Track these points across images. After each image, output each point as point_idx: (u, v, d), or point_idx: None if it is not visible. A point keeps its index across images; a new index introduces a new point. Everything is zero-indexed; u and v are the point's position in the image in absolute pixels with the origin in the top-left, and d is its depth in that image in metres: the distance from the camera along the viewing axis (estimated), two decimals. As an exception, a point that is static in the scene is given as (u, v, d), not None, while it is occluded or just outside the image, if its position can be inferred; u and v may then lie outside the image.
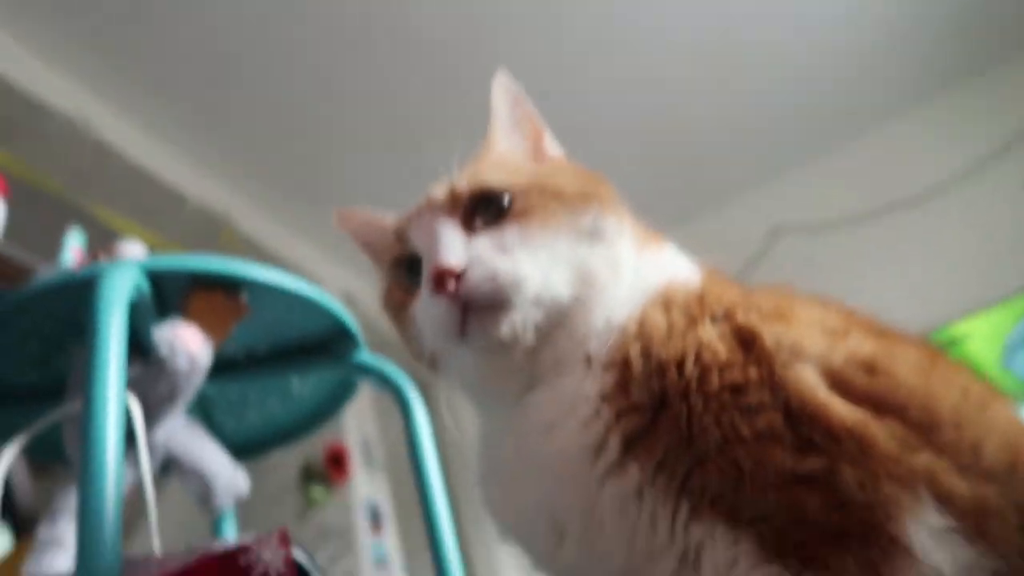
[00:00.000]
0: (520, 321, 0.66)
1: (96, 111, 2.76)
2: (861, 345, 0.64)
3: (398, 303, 0.76)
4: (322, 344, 1.29)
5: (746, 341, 0.63)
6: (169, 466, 1.19)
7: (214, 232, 3.09)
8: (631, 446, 0.61)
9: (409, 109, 3.22)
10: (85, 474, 0.82)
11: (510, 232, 0.69)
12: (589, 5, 3.01)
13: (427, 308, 0.68)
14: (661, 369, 0.62)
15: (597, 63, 3.20)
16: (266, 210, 3.53)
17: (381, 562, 3.19)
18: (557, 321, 0.67)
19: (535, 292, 0.66)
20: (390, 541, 3.32)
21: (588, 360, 0.66)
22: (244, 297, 1.13)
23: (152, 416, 1.10)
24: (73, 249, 1.38)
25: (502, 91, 0.84)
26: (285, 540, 0.85)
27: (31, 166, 2.52)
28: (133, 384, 1.06)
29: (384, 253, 0.81)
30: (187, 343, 1.04)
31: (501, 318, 0.65)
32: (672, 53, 3.37)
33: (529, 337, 0.67)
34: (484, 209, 0.71)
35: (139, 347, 1.09)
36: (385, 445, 3.64)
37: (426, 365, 0.77)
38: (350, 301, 3.68)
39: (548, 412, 0.66)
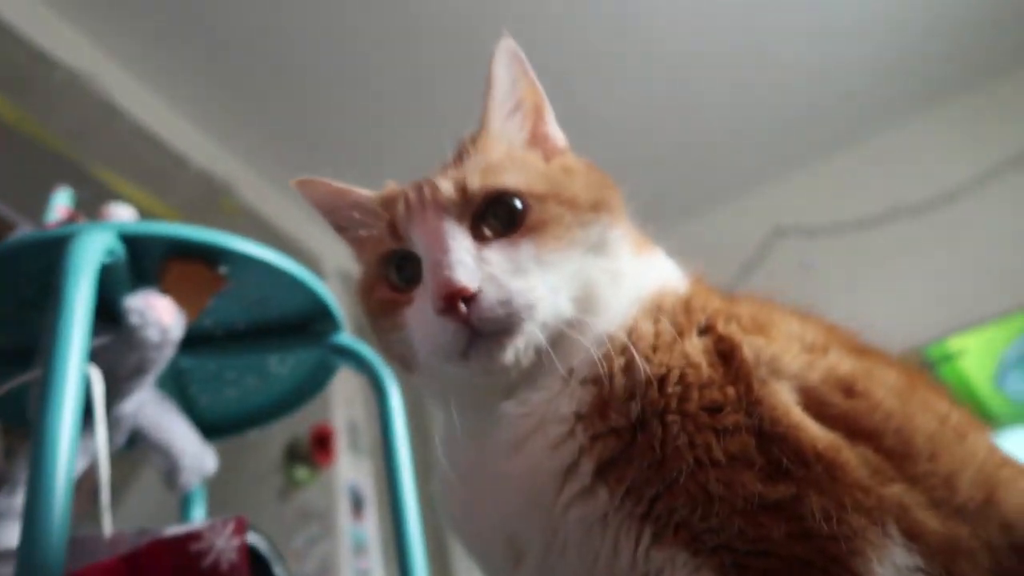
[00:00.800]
0: (524, 345, 0.62)
1: (103, 67, 2.72)
2: (840, 363, 0.62)
3: (384, 303, 0.70)
4: (302, 323, 1.25)
5: (726, 353, 0.61)
6: (137, 440, 1.15)
7: (215, 200, 3.05)
8: (604, 471, 0.58)
9: (425, 84, 3.17)
10: (37, 444, 0.78)
11: (525, 248, 0.64)
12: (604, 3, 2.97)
13: (428, 324, 0.63)
14: (643, 386, 0.59)
15: (608, 57, 3.17)
16: (270, 181, 3.49)
17: (360, 547, 3.16)
18: (555, 340, 0.64)
19: (545, 316, 0.63)
20: (370, 527, 3.29)
21: (568, 374, 0.63)
22: (223, 269, 1.08)
23: (120, 388, 1.06)
24: (59, 208, 1.33)
25: (506, 59, 0.75)
26: (241, 528, 0.82)
27: (32, 119, 2.48)
28: (102, 353, 1.02)
29: (355, 230, 0.76)
30: (159, 313, 1.00)
31: (507, 344, 0.62)
32: (683, 54, 3.35)
33: (529, 359, 0.63)
34: (495, 214, 0.66)
35: (111, 315, 1.05)
36: (372, 430, 3.61)
37: (398, 364, 0.74)
38: (347, 280, 3.64)
39: (518, 429, 0.63)
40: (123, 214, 1.23)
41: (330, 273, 3.64)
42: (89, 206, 1.33)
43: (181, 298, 1.06)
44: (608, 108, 3.26)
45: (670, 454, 0.56)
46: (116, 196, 2.18)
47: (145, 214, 1.36)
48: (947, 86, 3.90)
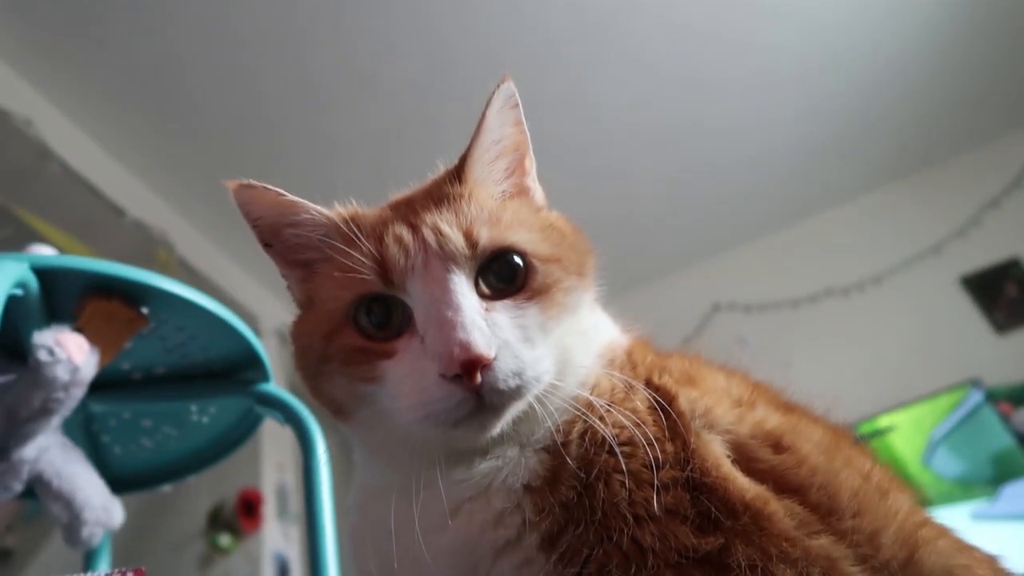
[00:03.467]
0: (511, 417, 0.60)
1: (40, 110, 2.66)
2: (767, 418, 0.63)
3: (352, 350, 0.63)
4: (227, 370, 1.20)
5: (663, 405, 0.61)
6: (36, 488, 1.07)
7: (151, 252, 2.97)
8: (546, 542, 0.57)
9: (372, 147, 3.20)
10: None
11: (531, 313, 0.62)
12: (562, 68, 3.06)
13: (426, 386, 0.58)
14: (598, 448, 0.59)
15: (551, 127, 3.25)
16: (209, 236, 3.43)
17: (283, 621, 2.99)
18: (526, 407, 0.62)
19: (542, 387, 0.61)
20: (296, 599, 3.13)
21: (526, 440, 0.62)
22: (145, 309, 1.03)
23: (21, 429, 0.99)
24: (-24, 245, 1.27)
25: (501, 104, 0.71)
26: (139, 578, 0.75)
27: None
28: (4, 391, 0.96)
29: (301, 252, 0.70)
30: (69, 350, 0.94)
31: (504, 416, 0.60)
32: (622, 129, 3.46)
33: (507, 426, 0.61)
34: (497, 271, 0.63)
35: (20, 353, 0.99)
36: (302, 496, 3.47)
37: (332, 410, 0.69)
38: (283, 339, 3.55)
39: (457, 496, 0.60)
40: (43, 251, 1.18)
41: (268, 332, 3.55)
42: (10, 246, 1.27)
43: (97, 337, 1.01)
44: (550, 178, 3.33)
45: (609, 513, 0.56)
46: (42, 240, 2.10)
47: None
48: (877, 175, 4.13)
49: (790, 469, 0.59)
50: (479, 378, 0.56)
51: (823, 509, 0.57)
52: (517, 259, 0.64)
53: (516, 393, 0.58)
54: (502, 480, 0.60)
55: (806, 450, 0.61)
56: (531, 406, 0.61)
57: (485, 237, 0.63)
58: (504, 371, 0.57)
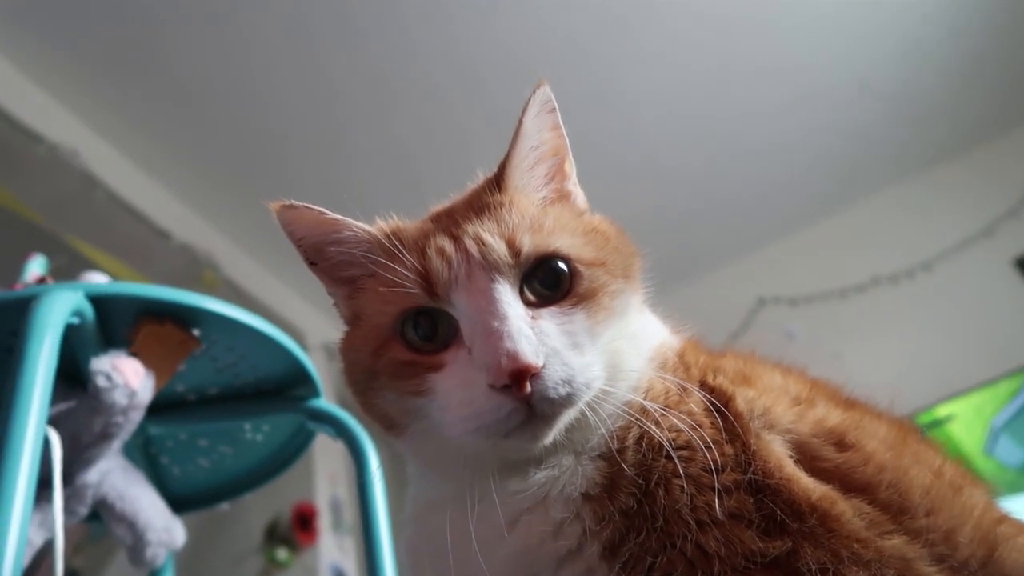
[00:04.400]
0: (563, 425, 0.59)
1: (87, 141, 2.74)
2: (828, 415, 0.61)
3: (401, 364, 0.63)
4: (278, 388, 1.21)
5: (719, 407, 0.60)
6: (100, 512, 1.10)
7: (197, 273, 3.04)
8: (608, 550, 0.56)
9: (413, 161, 3.22)
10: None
11: (578, 320, 0.61)
12: (587, 66, 3.05)
13: (475, 398, 0.57)
14: (655, 453, 0.58)
15: (588, 126, 3.23)
16: (251, 254, 3.49)
17: (342, 633, 3.02)
18: (579, 415, 0.61)
19: (593, 393, 0.60)
20: (353, 610, 3.16)
21: (581, 447, 0.61)
22: (196, 331, 1.05)
23: (84, 455, 1.01)
24: (33, 275, 1.31)
25: (538, 110, 0.70)
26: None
27: (12, 192, 2.47)
28: (65, 417, 0.99)
29: (345, 269, 0.70)
30: (126, 375, 0.96)
31: (556, 425, 0.58)
32: (659, 124, 3.42)
33: (560, 434, 0.60)
34: (542, 279, 0.62)
35: (79, 379, 1.02)
36: (356, 508, 3.50)
37: (384, 425, 0.69)
38: (332, 354, 3.59)
39: (515, 507, 0.59)
40: (97, 279, 1.21)
41: (315, 346, 3.60)
42: (65, 275, 1.31)
43: (152, 361, 1.03)
44: (584, 178, 3.32)
45: (671, 519, 0.54)
46: (94, 267, 2.16)
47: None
48: (922, 157, 4.01)
49: (856, 467, 0.57)
50: (528, 387, 0.55)
51: (894, 508, 0.55)
52: (561, 265, 0.63)
53: (567, 401, 0.57)
54: (559, 490, 0.59)
55: (872, 447, 0.59)
56: (583, 413, 0.60)
57: (528, 244, 0.62)
58: (554, 379, 0.56)
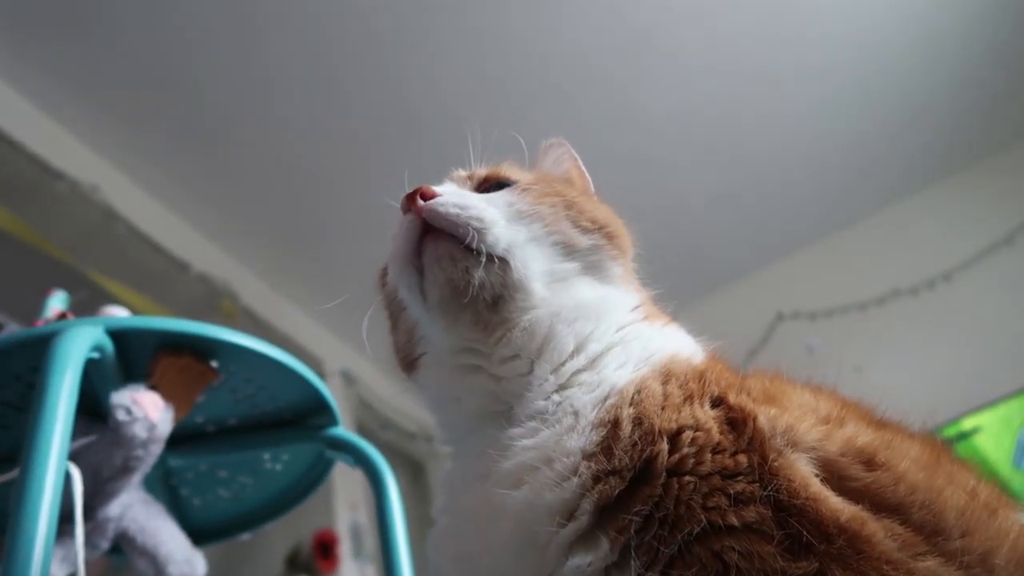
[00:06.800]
0: (479, 275, 0.68)
1: (106, 176, 2.78)
2: (858, 435, 0.60)
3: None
4: (296, 417, 1.22)
5: (737, 422, 0.59)
6: (122, 545, 1.10)
7: (215, 303, 3.06)
8: (604, 515, 0.56)
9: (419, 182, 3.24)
10: (10, 546, 0.74)
11: (522, 199, 0.78)
12: (602, 83, 3.07)
13: (397, 232, 0.73)
14: (651, 437, 0.58)
15: (600, 145, 3.24)
16: (268, 282, 3.51)
17: (365, 662, 2.99)
18: (564, 384, 0.67)
19: (497, 241, 0.70)
20: (376, 639, 3.13)
21: (576, 415, 0.63)
22: (215, 363, 1.06)
23: (105, 488, 1.02)
24: (54, 311, 1.33)
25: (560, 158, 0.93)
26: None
27: (34, 228, 2.51)
28: (86, 452, 0.99)
29: None
30: (146, 408, 0.97)
31: (457, 256, 0.68)
32: (682, 136, 3.42)
33: (490, 293, 0.68)
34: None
35: (100, 414, 1.02)
36: (377, 535, 3.48)
37: (403, 368, 0.79)
38: (348, 380, 3.60)
39: (523, 459, 0.61)
40: (116, 313, 1.22)
41: (332, 373, 3.60)
42: (86, 309, 1.33)
43: (171, 393, 1.03)
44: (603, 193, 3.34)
45: (683, 512, 0.54)
46: (114, 300, 2.18)
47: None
48: (939, 167, 3.98)
49: (886, 487, 0.55)
50: (420, 202, 0.67)
51: (927, 529, 0.53)
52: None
53: (456, 220, 0.66)
54: (563, 445, 0.60)
55: (903, 467, 0.57)
56: (572, 380, 0.66)
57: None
58: (446, 202, 0.67)
